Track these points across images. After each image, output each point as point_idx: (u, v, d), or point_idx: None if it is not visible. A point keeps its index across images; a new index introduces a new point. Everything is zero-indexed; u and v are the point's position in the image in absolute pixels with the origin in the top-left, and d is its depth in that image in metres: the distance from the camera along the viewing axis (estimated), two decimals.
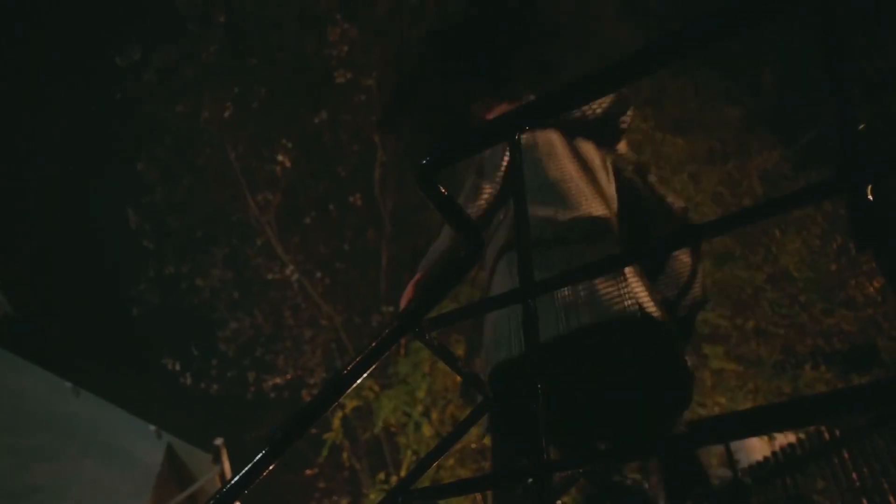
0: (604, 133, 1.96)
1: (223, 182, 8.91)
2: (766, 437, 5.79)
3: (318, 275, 9.07)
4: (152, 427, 9.12)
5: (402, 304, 1.97)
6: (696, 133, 7.70)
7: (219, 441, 8.76)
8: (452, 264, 1.04)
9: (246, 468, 1.20)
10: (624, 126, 1.97)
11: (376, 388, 6.03)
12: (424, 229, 8.19)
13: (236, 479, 1.19)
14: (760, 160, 7.81)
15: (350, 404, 6.26)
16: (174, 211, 9.19)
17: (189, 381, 9.43)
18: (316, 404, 1.35)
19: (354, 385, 1.12)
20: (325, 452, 6.20)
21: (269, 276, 9.16)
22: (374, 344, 1.06)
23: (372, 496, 6.59)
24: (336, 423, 6.15)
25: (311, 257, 9.21)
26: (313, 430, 7.58)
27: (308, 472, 10.07)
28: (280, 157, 8.50)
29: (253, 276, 9.50)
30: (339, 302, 9.05)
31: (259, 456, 1.20)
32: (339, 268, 9.47)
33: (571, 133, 1.92)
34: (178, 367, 9.48)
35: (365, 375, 1.13)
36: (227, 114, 8.31)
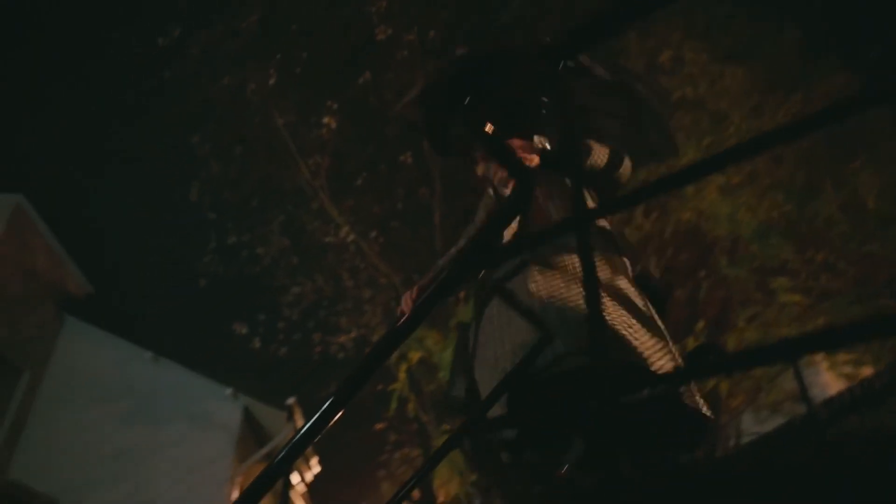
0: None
1: (274, 150, 9.07)
2: (841, 372, 5.63)
3: (373, 234, 9.19)
4: (228, 390, 9.55)
5: (405, 306, 1.96)
6: (754, 63, 7.31)
7: (291, 400, 9.14)
8: (511, 199, 1.04)
9: (313, 418, 1.24)
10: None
11: (438, 338, 6.10)
12: (474, 186, 8.14)
13: (305, 427, 1.23)
14: (826, 85, 7.36)
15: (414, 357, 6.35)
16: (230, 182, 9.43)
17: (259, 344, 9.78)
18: (380, 348, 1.38)
19: (417, 327, 1.14)
20: (393, 405, 6.34)
21: (326, 240, 9.33)
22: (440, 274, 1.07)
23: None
24: (401, 375, 6.27)
25: (364, 218, 9.32)
26: (380, 386, 7.80)
27: (378, 426, 10.39)
28: (327, 121, 8.56)
29: (310, 241, 9.71)
30: (395, 261, 9.17)
31: (325, 405, 1.23)
32: (393, 227, 9.57)
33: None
34: (247, 333, 9.84)
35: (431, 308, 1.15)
36: (271, 81, 8.39)
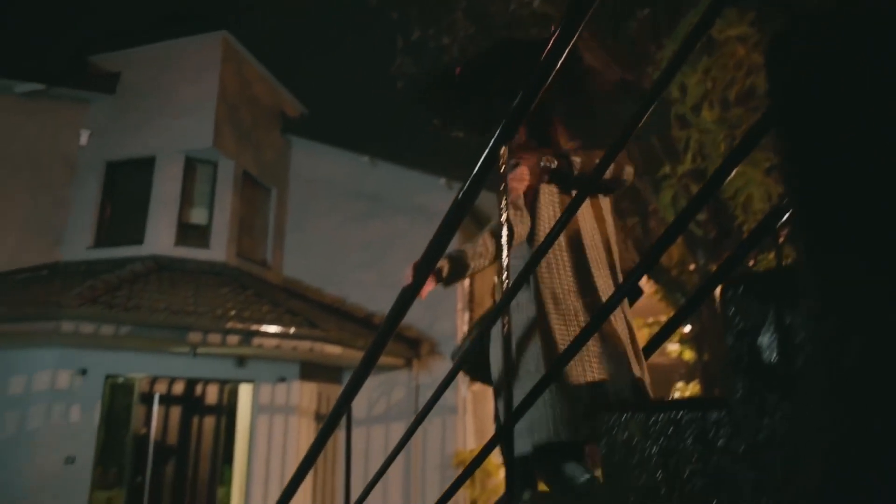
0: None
1: None
2: None
3: None
4: (442, 180, 10.10)
5: (407, 278, 2.08)
6: None
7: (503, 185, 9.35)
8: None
9: None
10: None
11: None
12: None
13: None
14: None
15: None
16: None
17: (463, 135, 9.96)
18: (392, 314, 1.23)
19: None
20: None
21: (510, 14, 8.80)
22: None
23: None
24: None
25: None
26: None
27: None
28: None
29: (493, 23, 9.24)
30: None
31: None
32: None
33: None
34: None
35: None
36: None
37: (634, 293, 2.31)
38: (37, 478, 7.55)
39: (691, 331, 11.18)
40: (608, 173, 2.18)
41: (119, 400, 9.56)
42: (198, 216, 9.91)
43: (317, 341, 7.90)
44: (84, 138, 10.05)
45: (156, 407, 8.43)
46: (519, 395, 1.84)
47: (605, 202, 2.39)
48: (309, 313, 8.49)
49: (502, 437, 1.64)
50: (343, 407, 2.14)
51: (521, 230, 2.27)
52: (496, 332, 2.07)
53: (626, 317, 2.19)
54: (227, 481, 9.94)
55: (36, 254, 9.31)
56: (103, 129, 10.15)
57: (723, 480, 0.97)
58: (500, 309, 1.69)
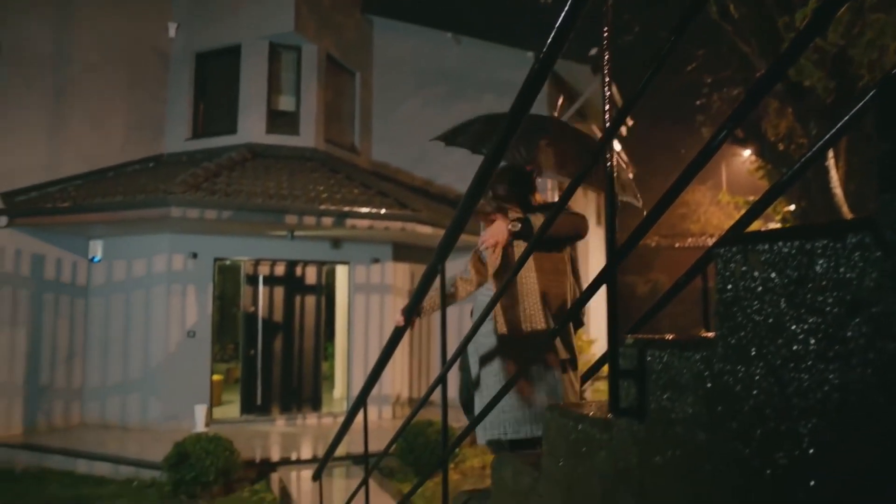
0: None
1: None
2: None
3: None
4: (529, 53, 9.62)
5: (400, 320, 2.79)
6: None
7: (593, 51, 8.77)
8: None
9: None
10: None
11: None
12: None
13: None
14: None
15: None
16: None
17: (550, 2, 9.34)
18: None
19: None
20: None
21: None
22: None
23: None
24: None
25: None
26: None
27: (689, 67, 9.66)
28: None
29: None
30: None
31: None
32: None
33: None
34: None
35: None
36: None
37: (577, 323, 3.04)
38: (164, 349, 8.37)
39: (797, 208, 10.53)
40: (565, 231, 2.85)
41: (228, 281, 10.27)
42: (286, 103, 10.02)
43: (408, 221, 8.03)
44: (172, 30, 10.19)
45: (261, 287, 9.00)
46: (480, 402, 2.77)
47: (566, 254, 2.98)
48: (399, 195, 8.59)
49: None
50: (437, 265, 2.14)
51: (490, 270, 2.86)
52: (471, 349, 2.85)
53: (571, 342, 2.82)
54: (329, 356, 10.68)
55: (141, 147, 9.80)
56: (189, 20, 10.23)
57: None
58: (471, 335, 2.05)
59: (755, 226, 2.18)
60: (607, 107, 1.46)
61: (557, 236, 2.87)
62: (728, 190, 18.58)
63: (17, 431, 7.99)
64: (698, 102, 11.19)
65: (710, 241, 22.11)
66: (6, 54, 7.95)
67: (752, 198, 13.22)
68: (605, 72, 1.48)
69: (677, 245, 21.98)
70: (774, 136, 10.41)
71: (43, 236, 8.33)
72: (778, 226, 11.46)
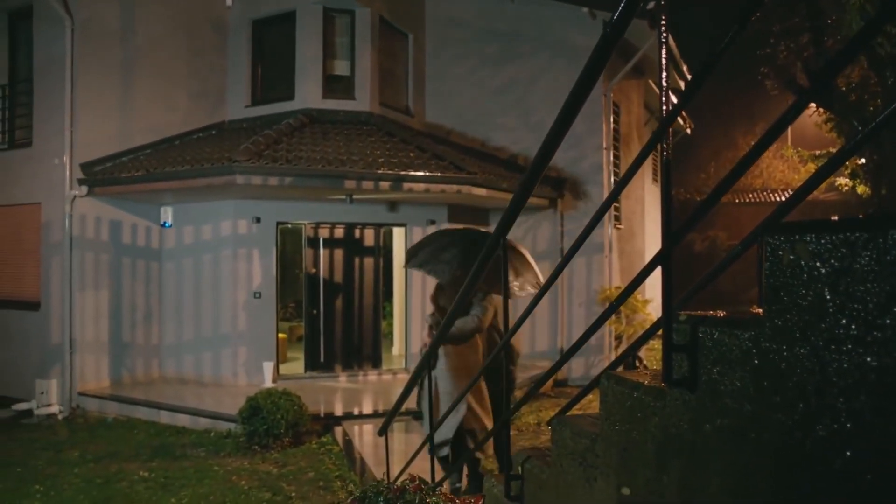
0: None
1: None
2: None
3: None
4: (584, 9, 9.41)
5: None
6: None
7: (651, 4, 8.50)
8: None
9: None
10: None
11: None
12: None
13: None
14: None
15: None
16: None
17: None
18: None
19: None
20: None
21: None
22: None
23: None
24: None
25: None
26: None
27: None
28: None
29: None
30: None
31: None
32: None
33: None
34: None
35: None
36: None
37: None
38: (232, 309, 8.83)
39: (867, 162, 10.09)
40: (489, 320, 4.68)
41: (290, 244, 10.64)
42: (341, 68, 10.14)
43: (463, 184, 8.13)
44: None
45: (321, 249, 9.32)
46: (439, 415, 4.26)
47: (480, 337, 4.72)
48: (454, 157, 8.67)
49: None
50: (499, 239, 2.26)
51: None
52: (440, 372, 4.44)
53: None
54: (388, 315, 11.01)
55: (204, 116, 10.14)
56: None
57: None
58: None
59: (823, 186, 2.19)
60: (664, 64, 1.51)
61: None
62: (792, 143, 17.83)
63: (106, 384, 8.66)
64: (760, 53, 10.69)
65: (773, 198, 21.40)
66: (79, 31, 8.31)
67: (818, 152, 12.69)
68: (663, 28, 1.53)
69: (737, 201, 21.35)
70: (845, 84, 9.93)
71: (118, 204, 8.82)
72: (847, 181, 11.03)
